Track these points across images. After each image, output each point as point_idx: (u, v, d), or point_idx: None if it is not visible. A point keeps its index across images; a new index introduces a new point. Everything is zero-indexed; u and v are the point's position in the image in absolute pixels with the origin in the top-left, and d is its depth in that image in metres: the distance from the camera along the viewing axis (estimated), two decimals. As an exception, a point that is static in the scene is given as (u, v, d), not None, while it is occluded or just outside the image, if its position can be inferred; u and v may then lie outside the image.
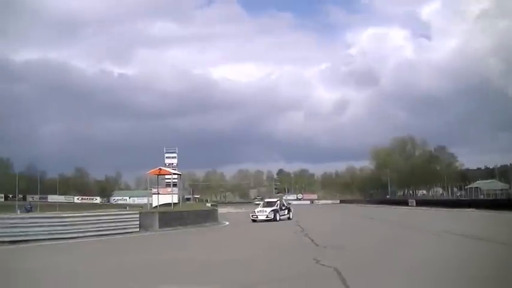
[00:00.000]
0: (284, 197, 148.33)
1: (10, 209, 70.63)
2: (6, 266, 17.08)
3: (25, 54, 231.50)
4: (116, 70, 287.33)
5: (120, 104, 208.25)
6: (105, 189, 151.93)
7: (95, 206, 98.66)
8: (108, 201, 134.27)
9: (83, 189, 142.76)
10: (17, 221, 26.67)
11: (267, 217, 42.58)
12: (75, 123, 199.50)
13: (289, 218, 45.20)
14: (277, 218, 43.11)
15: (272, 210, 43.60)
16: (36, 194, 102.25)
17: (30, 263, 18.04)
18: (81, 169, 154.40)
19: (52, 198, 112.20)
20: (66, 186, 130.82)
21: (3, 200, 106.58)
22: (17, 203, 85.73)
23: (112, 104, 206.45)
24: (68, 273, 15.02)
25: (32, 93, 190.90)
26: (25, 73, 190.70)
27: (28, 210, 69.63)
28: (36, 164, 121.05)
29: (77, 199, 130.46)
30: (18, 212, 64.88)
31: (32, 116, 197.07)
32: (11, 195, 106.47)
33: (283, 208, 46.21)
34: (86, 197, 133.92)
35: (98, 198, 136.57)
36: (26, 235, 24.88)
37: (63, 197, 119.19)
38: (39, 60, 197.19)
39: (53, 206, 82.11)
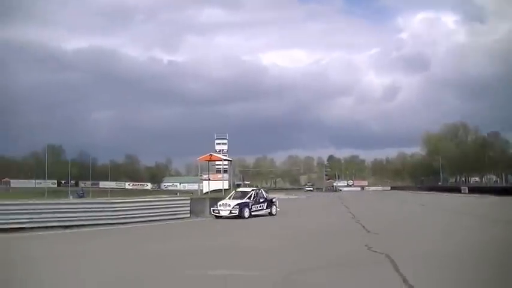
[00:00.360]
0: (334, 183, 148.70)
1: (63, 194, 72.33)
2: (59, 250, 17.23)
3: (75, 43, 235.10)
4: (166, 57, 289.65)
5: (169, 91, 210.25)
6: (156, 176, 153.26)
7: (145, 192, 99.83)
8: (159, 188, 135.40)
9: (133, 175, 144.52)
10: (70, 207, 26.99)
11: (230, 212, 31.90)
12: (125, 111, 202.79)
13: (270, 214, 34.79)
14: (245, 215, 32.31)
15: (238, 204, 32.47)
16: (88, 180, 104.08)
17: (82, 247, 18.19)
18: (131, 156, 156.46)
19: (103, 184, 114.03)
20: (117, 172, 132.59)
21: (56, 186, 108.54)
22: (69, 189, 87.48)
23: (162, 91, 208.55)
24: (119, 258, 15.09)
25: (82, 81, 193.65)
26: (76, 61, 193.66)
27: (80, 196, 71.09)
28: (88, 151, 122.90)
29: (128, 185, 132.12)
30: (71, 197, 66.37)
31: (83, 103, 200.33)
32: (63, 181, 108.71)
33: (261, 201, 34.78)
34: (137, 183, 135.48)
35: (149, 184, 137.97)
36: (78, 220, 25.09)
37: (114, 183, 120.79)
38: (89, 49, 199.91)
39: (105, 192, 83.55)
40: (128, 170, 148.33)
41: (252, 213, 32.96)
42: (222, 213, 31.90)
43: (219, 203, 32.78)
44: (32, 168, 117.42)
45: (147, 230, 24.61)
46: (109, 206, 27.97)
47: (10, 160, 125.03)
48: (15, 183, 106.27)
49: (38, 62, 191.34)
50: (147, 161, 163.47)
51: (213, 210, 32.38)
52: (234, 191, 38.29)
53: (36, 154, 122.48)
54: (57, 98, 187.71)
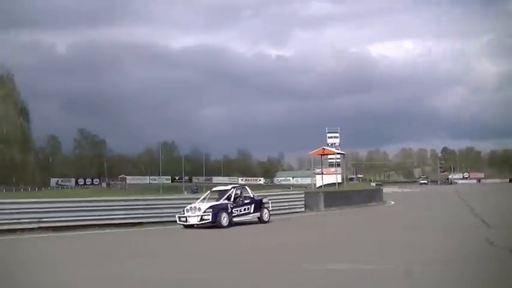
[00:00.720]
0: (449, 176, 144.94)
1: (177, 190, 74.22)
2: (173, 243, 17.55)
3: (184, 41, 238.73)
4: (274, 52, 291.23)
5: (278, 86, 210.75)
6: (269, 170, 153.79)
7: (258, 187, 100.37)
8: (272, 182, 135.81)
9: (246, 170, 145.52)
10: (186, 202, 27.38)
11: (201, 219, 23.08)
12: (235, 106, 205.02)
13: (260, 220, 25.82)
14: (223, 221, 23.45)
15: (211, 207, 23.59)
16: (201, 175, 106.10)
17: (197, 240, 18.63)
18: (244, 151, 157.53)
19: (217, 179, 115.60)
20: (230, 168, 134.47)
21: (170, 182, 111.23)
22: (183, 184, 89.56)
23: (271, 86, 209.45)
24: (232, 251, 15.18)
25: (192, 79, 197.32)
26: (185, 59, 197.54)
27: (194, 192, 72.66)
28: (200, 147, 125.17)
29: (241, 180, 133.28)
30: (185, 193, 67.82)
31: (193, 100, 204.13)
32: (177, 177, 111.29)
33: (245, 202, 25.64)
34: (250, 178, 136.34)
35: (262, 179, 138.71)
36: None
37: (227, 178, 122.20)
38: (197, 46, 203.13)
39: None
40: (240, 166, 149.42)
41: (234, 220, 24.31)
42: (191, 221, 23.34)
43: (186, 208, 23.88)
44: (147, 165, 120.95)
45: (266, 224, 24.68)
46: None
47: (126, 157, 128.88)
48: (130, 179, 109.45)
49: (149, 60, 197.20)
50: (259, 155, 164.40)
51: (179, 218, 23.68)
52: (209, 191, 27.66)
53: (151, 151, 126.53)
54: (168, 96, 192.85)
